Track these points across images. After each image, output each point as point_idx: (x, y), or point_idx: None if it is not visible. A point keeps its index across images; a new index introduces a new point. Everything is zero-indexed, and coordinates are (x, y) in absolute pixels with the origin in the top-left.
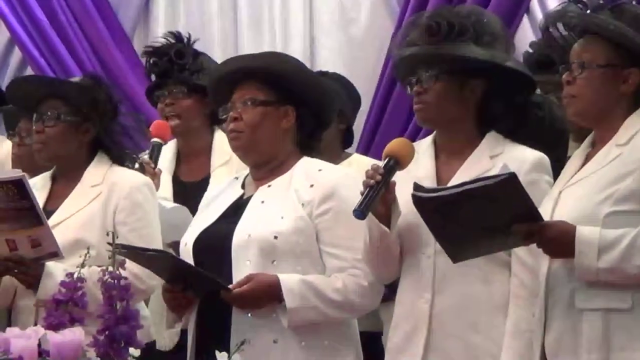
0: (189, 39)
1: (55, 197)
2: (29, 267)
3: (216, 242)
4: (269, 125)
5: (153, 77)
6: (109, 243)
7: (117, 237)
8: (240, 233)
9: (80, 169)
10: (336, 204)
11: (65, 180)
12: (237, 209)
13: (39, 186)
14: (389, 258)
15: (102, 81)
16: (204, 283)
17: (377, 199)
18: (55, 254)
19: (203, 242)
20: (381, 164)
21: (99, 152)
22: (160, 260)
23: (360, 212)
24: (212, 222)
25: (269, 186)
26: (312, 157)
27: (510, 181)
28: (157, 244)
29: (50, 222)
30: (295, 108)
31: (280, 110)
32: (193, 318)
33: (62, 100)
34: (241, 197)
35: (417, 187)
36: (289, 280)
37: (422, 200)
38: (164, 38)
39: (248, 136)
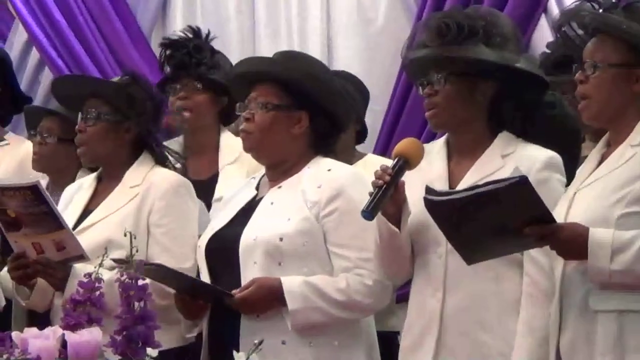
0: (207, 35)
1: (97, 197)
2: (55, 269)
3: (226, 244)
4: (279, 130)
5: (166, 70)
6: (126, 262)
7: (150, 238)
8: (247, 235)
9: (122, 169)
10: (342, 205)
11: (109, 180)
12: (248, 210)
13: (86, 186)
14: (400, 258)
15: (142, 80)
16: (207, 292)
17: (385, 200)
18: (82, 257)
19: (214, 245)
20: (391, 164)
21: (143, 152)
22: (163, 273)
23: (367, 213)
24: (224, 224)
25: (280, 187)
26: (328, 157)
27: (521, 184)
28: (190, 246)
29: (87, 222)
30: (310, 113)
31: (293, 116)
32: (206, 323)
33: (103, 100)
34: (254, 198)
35: (428, 190)
36: (291, 282)
37: (434, 204)
38: (182, 32)
39: (257, 139)
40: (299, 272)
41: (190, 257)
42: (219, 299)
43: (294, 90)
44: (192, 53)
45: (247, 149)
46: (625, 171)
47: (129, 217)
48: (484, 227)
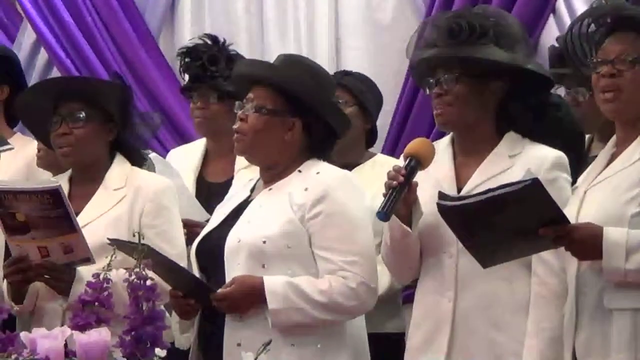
0: (224, 43)
1: (77, 200)
2: (60, 272)
3: (215, 245)
4: (271, 135)
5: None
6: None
7: (143, 240)
8: (232, 237)
9: (100, 171)
10: (327, 207)
11: (85, 182)
12: (238, 212)
13: None
14: (409, 258)
15: (125, 82)
16: (197, 288)
17: (399, 200)
18: (88, 260)
19: (204, 246)
20: (402, 164)
21: (117, 154)
22: (163, 262)
23: (383, 214)
24: (215, 225)
25: (270, 190)
26: (325, 160)
27: (534, 186)
28: (182, 247)
29: None
30: (304, 120)
31: (287, 122)
32: (196, 323)
33: (88, 100)
34: (246, 200)
35: (442, 195)
36: (273, 282)
37: (447, 209)
38: (200, 39)
39: (250, 140)
40: (283, 274)
41: (183, 257)
42: (207, 298)
43: (289, 97)
44: (207, 65)
45: (238, 151)
46: (637, 170)
47: (122, 219)
48: (498, 230)
